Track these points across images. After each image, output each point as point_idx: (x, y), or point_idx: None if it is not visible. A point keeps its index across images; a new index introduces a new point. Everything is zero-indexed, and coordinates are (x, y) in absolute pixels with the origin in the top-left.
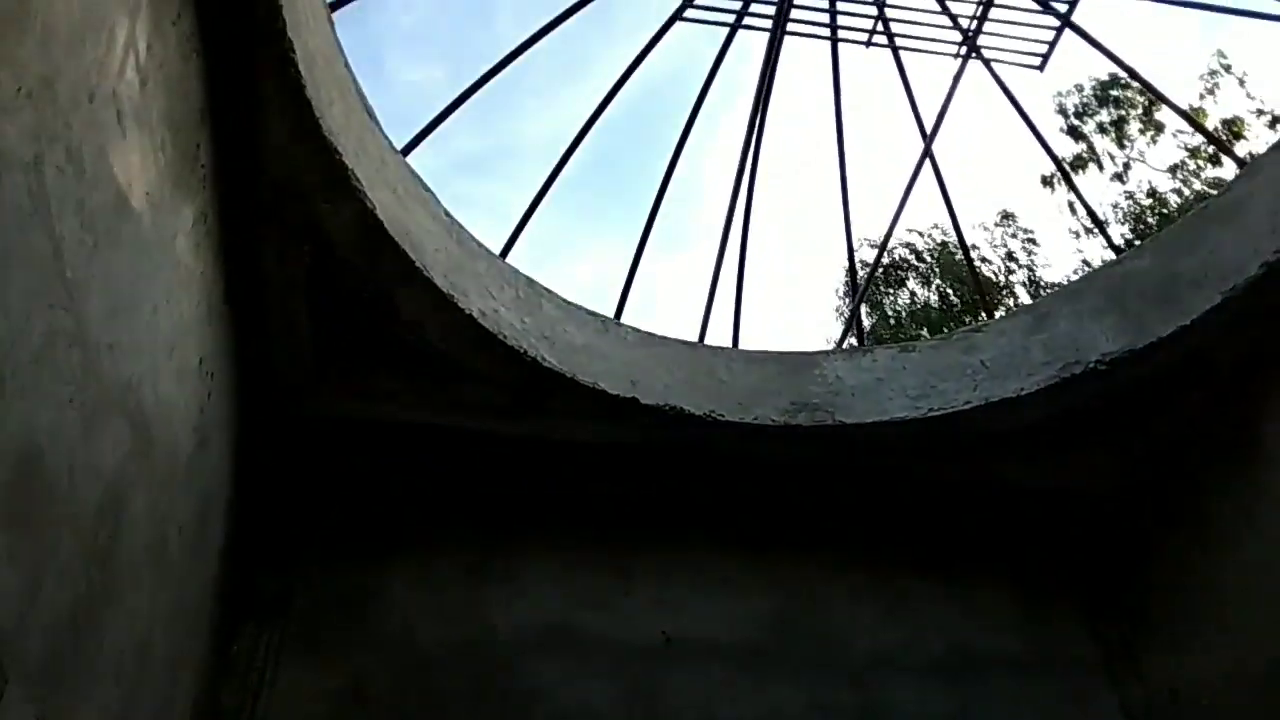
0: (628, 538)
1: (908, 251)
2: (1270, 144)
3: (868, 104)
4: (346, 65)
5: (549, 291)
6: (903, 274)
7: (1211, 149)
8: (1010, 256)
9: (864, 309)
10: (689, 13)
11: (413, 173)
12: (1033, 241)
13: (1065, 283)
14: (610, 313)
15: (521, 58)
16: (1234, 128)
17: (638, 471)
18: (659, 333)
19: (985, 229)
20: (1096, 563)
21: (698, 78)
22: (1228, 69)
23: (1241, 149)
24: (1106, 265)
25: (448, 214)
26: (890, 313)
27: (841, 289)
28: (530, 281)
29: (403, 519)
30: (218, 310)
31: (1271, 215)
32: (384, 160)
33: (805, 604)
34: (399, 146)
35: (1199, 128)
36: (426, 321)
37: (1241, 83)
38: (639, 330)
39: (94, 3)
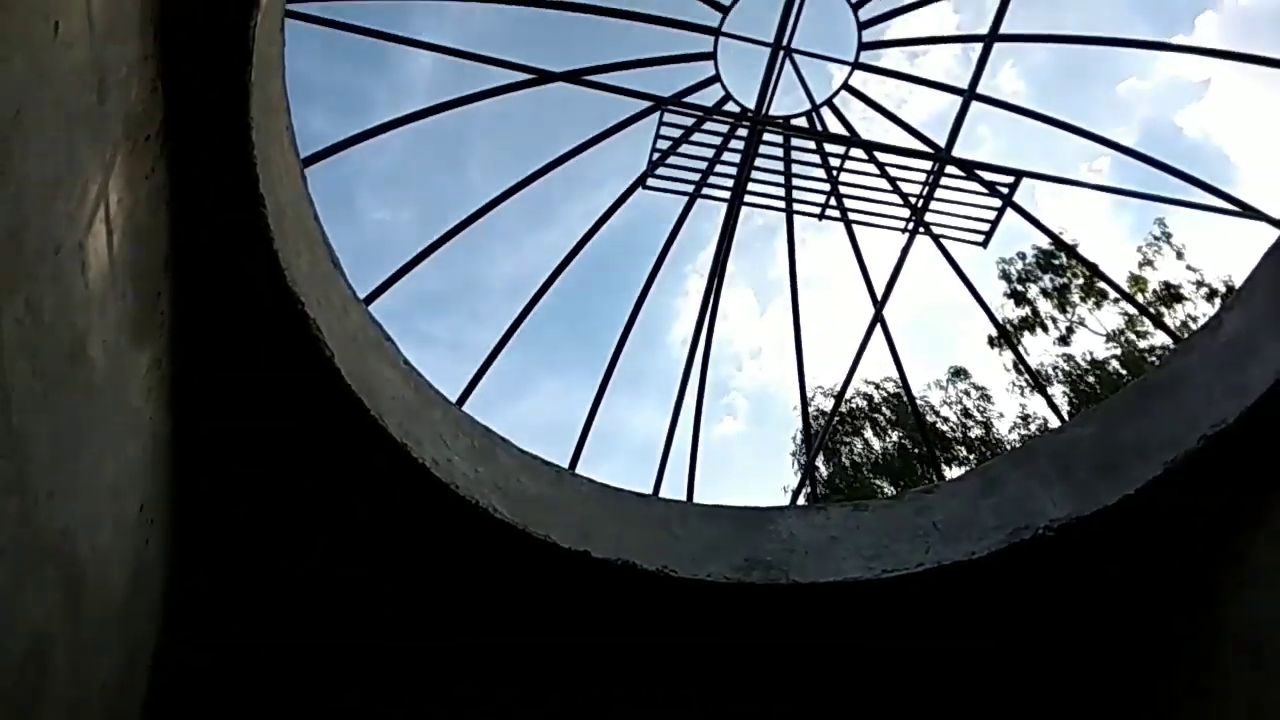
0: (574, 689)
1: (864, 402)
2: (1208, 315)
3: (826, 267)
4: (316, 218)
5: (505, 441)
6: (859, 424)
7: (1154, 310)
8: (965, 413)
9: (822, 457)
10: (651, 181)
11: (373, 320)
12: (986, 398)
13: (1016, 440)
14: (567, 456)
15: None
16: (1173, 293)
17: (587, 624)
18: (614, 484)
19: (940, 385)
20: None
21: (666, 222)
22: (1168, 238)
23: (1183, 311)
24: (1053, 431)
25: (407, 362)
26: (847, 461)
27: (799, 438)
28: (486, 431)
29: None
30: (164, 455)
31: (1207, 390)
32: (345, 309)
33: None
34: (367, 285)
35: (1132, 301)
36: (380, 470)
37: (1180, 254)
38: (594, 482)
39: (72, 159)
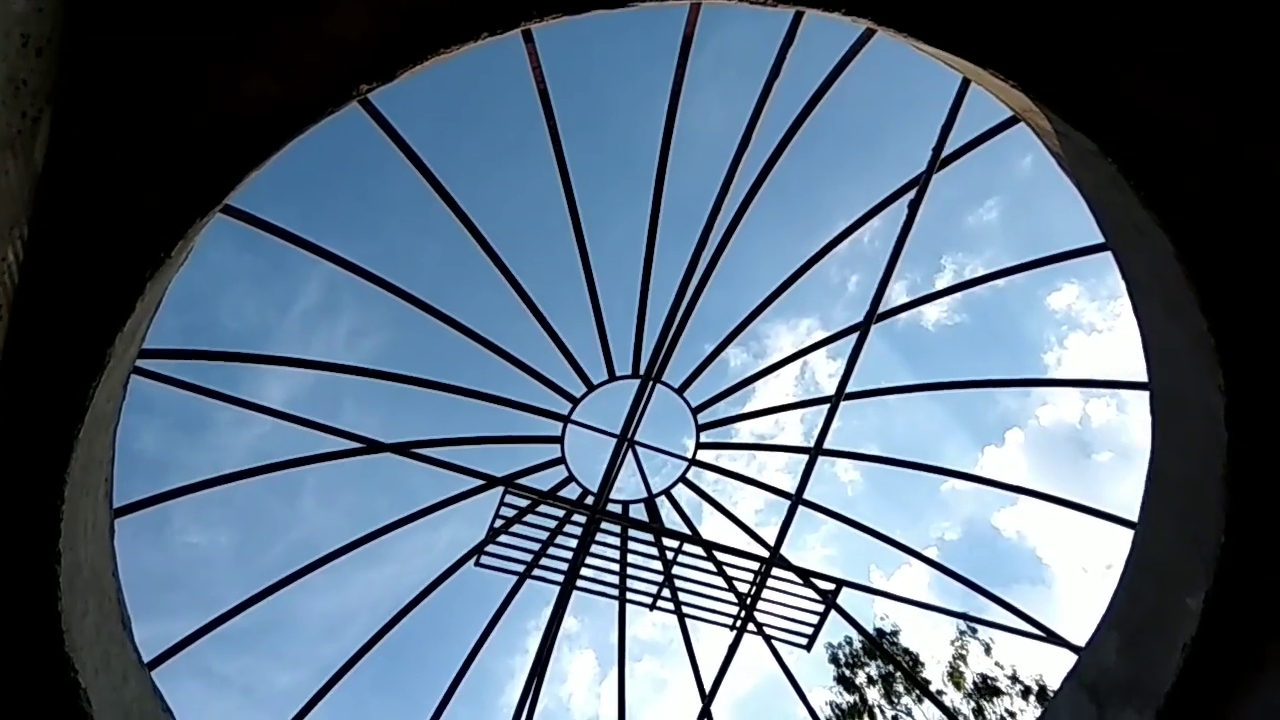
0: None
1: None
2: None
3: (673, 631)
4: (115, 574)
5: None
6: None
7: (971, 703)
8: None
9: None
10: (483, 559)
11: (155, 691)
12: None
13: None
14: None
15: (319, 534)
16: (990, 686)
17: None
18: None
19: None
20: None
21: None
22: (974, 632)
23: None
24: None
25: None
26: None
27: None
28: None
29: None
30: None
31: None
32: (126, 677)
33: None
34: (170, 609)
35: (944, 709)
36: None
37: (988, 650)
38: None
39: None
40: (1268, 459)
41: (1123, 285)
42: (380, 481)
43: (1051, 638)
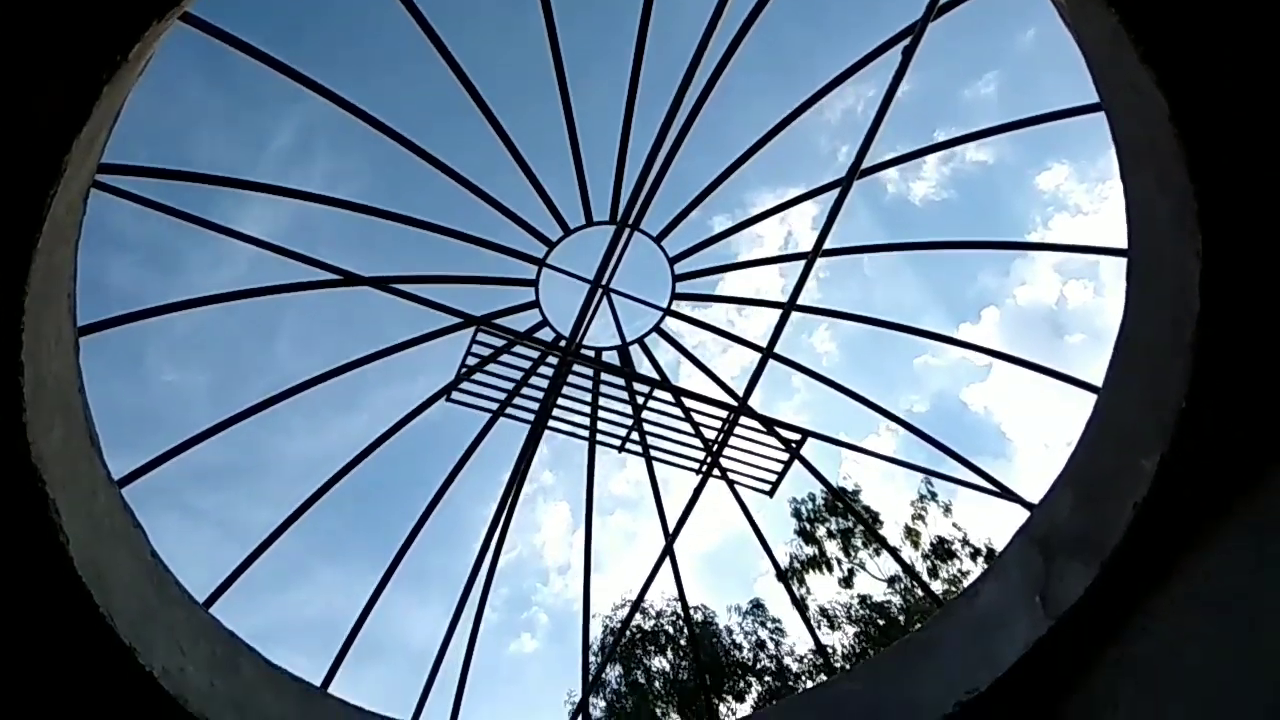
0: None
1: (666, 623)
2: (975, 572)
3: (642, 487)
4: (81, 389)
5: (251, 651)
6: (651, 648)
7: (928, 563)
8: (760, 644)
9: (620, 670)
10: (455, 395)
11: (125, 506)
12: (780, 630)
13: (804, 670)
14: (327, 664)
15: (293, 375)
16: (946, 549)
17: None
18: (378, 696)
19: (738, 613)
20: None
21: (478, 421)
22: (934, 496)
23: (955, 567)
24: (821, 686)
25: (155, 554)
26: (642, 680)
27: (578, 665)
28: (232, 637)
29: None
30: None
31: (962, 659)
32: (95, 491)
33: None
34: (142, 451)
35: (900, 561)
36: (103, 675)
37: (947, 510)
38: (345, 704)
39: None
40: (1234, 329)
41: (1114, 152)
42: (356, 326)
43: (1007, 494)
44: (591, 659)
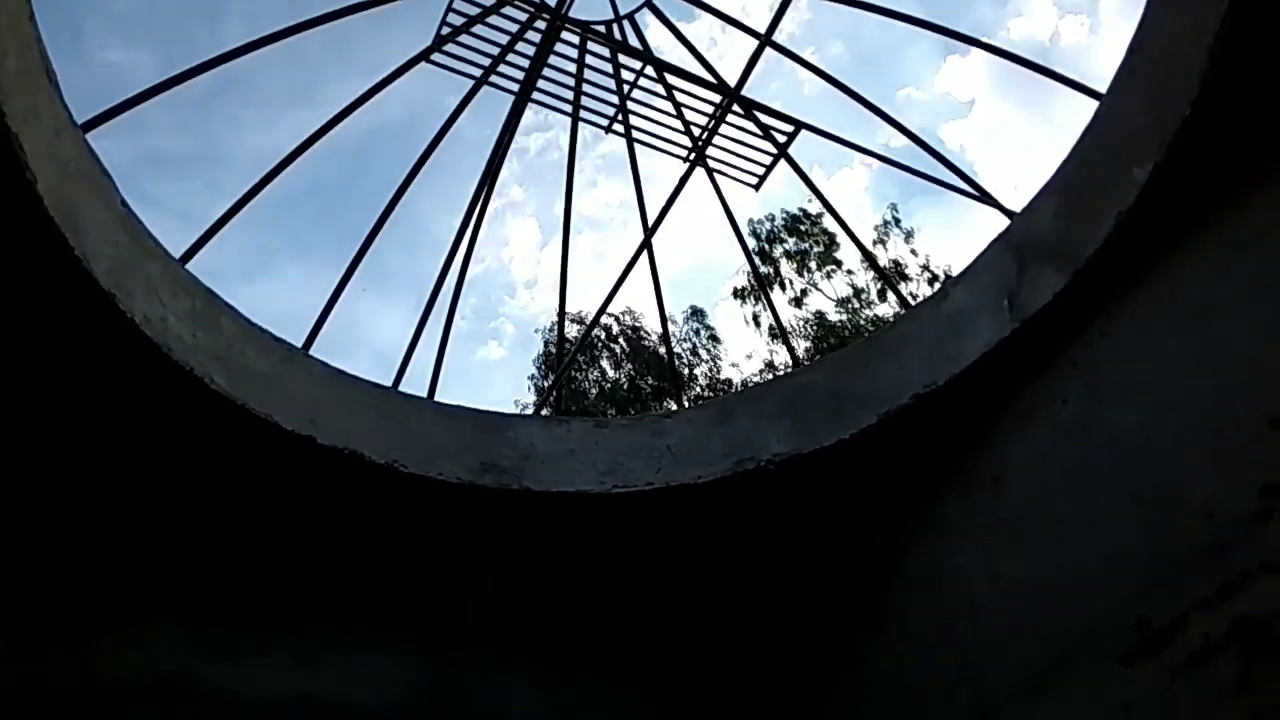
0: (276, 588)
1: (601, 332)
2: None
3: (611, 210)
4: (33, 20)
5: (232, 308)
6: (596, 354)
7: (876, 290)
8: (695, 351)
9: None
10: (436, 56)
11: (91, 152)
12: (715, 339)
13: (748, 382)
14: (303, 344)
15: (246, 64)
16: (900, 271)
17: (307, 515)
18: (351, 371)
19: (674, 321)
20: (754, 662)
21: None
22: (898, 223)
23: (906, 290)
24: (785, 375)
25: (125, 204)
26: (587, 387)
27: (540, 358)
28: (211, 294)
29: None
30: None
31: (925, 356)
32: (58, 133)
33: (459, 673)
34: (82, 121)
35: (874, 264)
36: (83, 321)
37: (909, 237)
38: (328, 365)
39: None
40: (1257, 33)
41: None
42: (309, 6)
43: (986, 199)
44: (539, 366)
